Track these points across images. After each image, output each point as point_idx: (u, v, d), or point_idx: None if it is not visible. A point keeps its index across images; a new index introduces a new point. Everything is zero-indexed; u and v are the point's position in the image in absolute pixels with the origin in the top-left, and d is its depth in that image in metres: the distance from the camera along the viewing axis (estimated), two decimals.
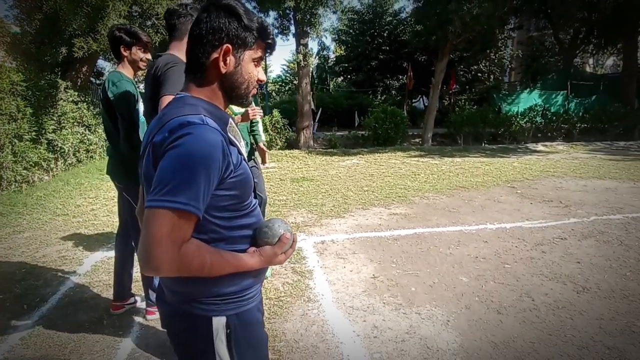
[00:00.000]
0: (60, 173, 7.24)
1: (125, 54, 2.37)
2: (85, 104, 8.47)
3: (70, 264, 3.44)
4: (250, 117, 2.84)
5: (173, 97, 1.02)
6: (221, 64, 0.95)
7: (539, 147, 11.50)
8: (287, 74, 27.18)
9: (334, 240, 3.96)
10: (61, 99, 7.58)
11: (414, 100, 20.70)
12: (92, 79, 10.28)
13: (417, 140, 12.86)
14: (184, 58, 1.96)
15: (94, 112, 8.72)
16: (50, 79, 7.40)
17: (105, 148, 9.04)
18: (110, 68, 12.09)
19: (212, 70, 0.96)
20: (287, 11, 11.00)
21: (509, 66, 23.16)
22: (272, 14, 11.23)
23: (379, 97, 19.30)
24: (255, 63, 1.01)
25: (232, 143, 0.93)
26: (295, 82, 15.86)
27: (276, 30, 11.31)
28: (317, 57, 22.31)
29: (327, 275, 3.18)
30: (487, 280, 3.04)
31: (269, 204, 5.28)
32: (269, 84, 23.29)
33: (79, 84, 8.75)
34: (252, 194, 1.03)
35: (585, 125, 13.02)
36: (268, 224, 1.02)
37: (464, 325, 2.45)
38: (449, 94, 17.33)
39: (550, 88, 15.18)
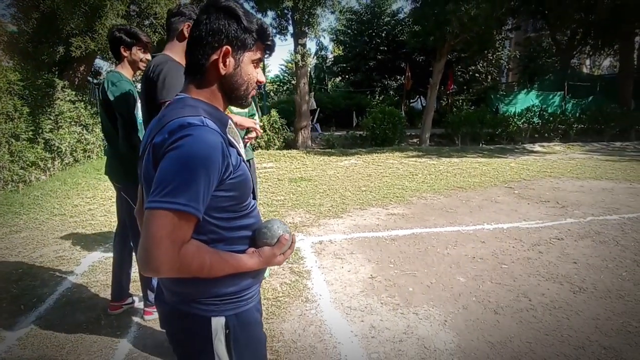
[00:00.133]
0: (58, 173, 7.22)
1: (125, 54, 2.38)
2: (82, 103, 8.45)
3: (67, 264, 3.43)
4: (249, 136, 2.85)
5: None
6: (221, 65, 0.95)
7: (536, 147, 11.55)
8: (285, 74, 27.16)
9: (331, 241, 3.96)
10: (58, 98, 7.55)
11: (411, 101, 20.74)
12: (89, 78, 10.24)
13: (414, 140, 12.88)
14: (176, 57, 1.98)
15: (92, 112, 8.70)
16: (47, 78, 7.38)
17: (102, 148, 9.01)
18: (107, 67, 12.05)
19: (211, 72, 0.97)
20: (286, 11, 11.00)
21: (507, 67, 23.25)
22: (271, 14, 11.23)
23: (377, 97, 19.32)
24: (255, 64, 1.02)
25: (231, 144, 0.93)
26: (293, 82, 15.85)
27: (274, 30, 11.30)
28: (315, 57, 22.33)
29: (325, 276, 3.18)
30: (484, 281, 3.06)
31: (267, 204, 5.29)
32: (267, 84, 23.26)
33: (76, 83, 8.73)
34: (251, 195, 1.03)
35: (582, 125, 13.08)
36: (267, 225, 1.02)
37: (462, 326, 2.46)
38: (447, 95, 17.37)
39: (547, 89, 15.25)
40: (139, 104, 2.35)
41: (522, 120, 12.82)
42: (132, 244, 2.55)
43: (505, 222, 4.47)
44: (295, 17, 10.84)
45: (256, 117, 3.09)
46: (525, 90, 15.47)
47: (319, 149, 11.45)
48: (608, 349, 2.21)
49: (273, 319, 2.54)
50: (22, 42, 7.89)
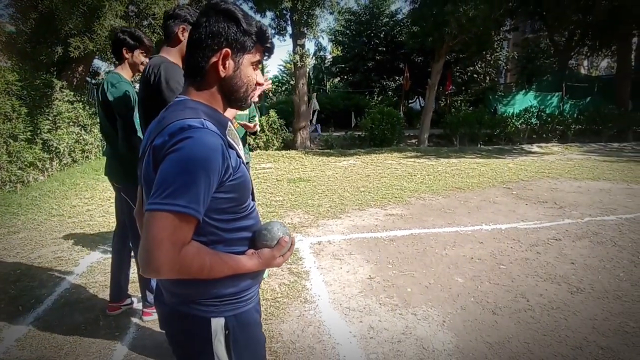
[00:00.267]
0: (56, 173, 7.20)
1: (127, 56, 2.39)
2: (80, 103, 8.43)
3: (65, 264, 3.43)
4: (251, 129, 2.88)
5: None
6: (220, 67, 0.96)
7: (534, 148, 11.58)
8: (284, 74, 27.17)
9: (330, 241, 3.97)
10: (57, 98, 7.54)
11: (410, 101, 20.79)
12: (87, 78, 10.23)
13: (413, 141, 12.90)
14: (172, 59, 1.98)
15: (90, 112, 8.68)
16: (45, 78, 7.36)
17: (100, 148, 9.00)
18: (106, 68, 12.04)
19: (211, 74, 0.97)
20: (284, 12, 11.01)
21: (505, 68, 23.32)
22: (269, 14, 11.23)
23: (376, 97, 19.37)
24: (254, 66, 1.02)
25: (231, 146, 0.94)
26: (292, 82, 15.84)
27: (273, 31, 11.30)
28: (313, 58, 22.34)
29: (323, 276, 3.19)
30: (482, 281, 3.07)
31: (266, 205, 5.29)
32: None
33: (74, 83, 8.71)
34: (251, 196, 1.04)
35: (580, 126, 13.13)
36: (267, 227, 1.03)
37: (460, 326, 2.47)
38: (445, 95, 17.40)
39: (545, 89, 15.30)
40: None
41: (520, 121, 12.85)
42: (131, 244, 2.55)
43: (504, 222, 4.49)
44: (294, 18, 10.85)
45: (256, 118, 3.10)
46: (524, 91, 15.51)
47: (317, 150, 11.46)
48: (605, 349, 2.22)
49: (272, 320, 2.55)
50: (20, 42, 7.87)
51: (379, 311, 2.65)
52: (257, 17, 10.01)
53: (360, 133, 12.37)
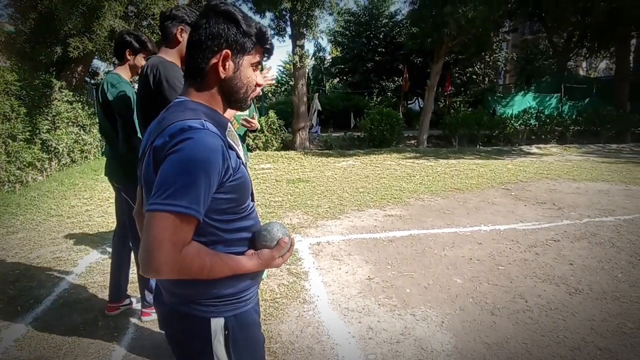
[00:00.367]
0: (55, 173, 7.19)
1: (129, 58, 2.42)
2: (80, 104, 8.42)
3: (64, 265, 3.42)
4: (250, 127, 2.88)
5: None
6: (220, 69, 0.96)
7: (533, 149, 11.60)
8: (283, 75, 27.18)
9: (329, 242, 3.97)
10: (55, 98, 7.53)
11: (409, 102, 20.81)
12: (87, 79, 10.23)
13: (412, 142, 12.92)
14: (170, 59, 1.98)
15: (89, 112, 8.67)
16: (44, 78, 7.35)
17: (99, 148, 8.99)
18: (105, 68, 12.04)
19: (211, 75, 0.98)
20: (284, 12, 11.02)
21: (504, 69, 23.38)
22: (269, 15, 11.26)
23: (375, 98, 19.40)
24: (254, 67, 1.03)
25: (231, 147, 0.94)
26: (291, 83, 15.85)
27: (272, 32, 11.31)
28: (313, 59, 22.36)
29: (322, 277, 3.19)
30: (481, 282, 3.07)
31: (265, 205, 5.29)
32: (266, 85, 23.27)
33: (73, 83, 8.71)
34: (250, 197, 1.04)
35: (579, 127, 13.16)
36: (267, 228, 1.03)
37: (458, 327, 2.47)
38: (444, 96, 17.44)
39: (544, 91, 15.34)
40: None
41: (519, 122, 12.89)
42: (131, 244, 2.55)
43: (502, 223, 4.49)
44: (293, 19, 10.86)
45: (255, 117, 3.11)
46: (522, 92, 15.55)
47: (316, 150, 11.47)
48: (604, 350, 2.22)
49: (271, 320, 2.55)
50: (20, 43, 7.86)
51: (377, 312, 2.66)
52: (257, 17, 10.01)
53: (359, 134, 12.39)
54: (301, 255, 3.63)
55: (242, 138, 3.05)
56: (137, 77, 2.55)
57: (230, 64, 0.97)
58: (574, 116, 13.63)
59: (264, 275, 3.11)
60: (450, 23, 10.54)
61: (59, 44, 7.72)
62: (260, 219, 1.11)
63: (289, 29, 11.44)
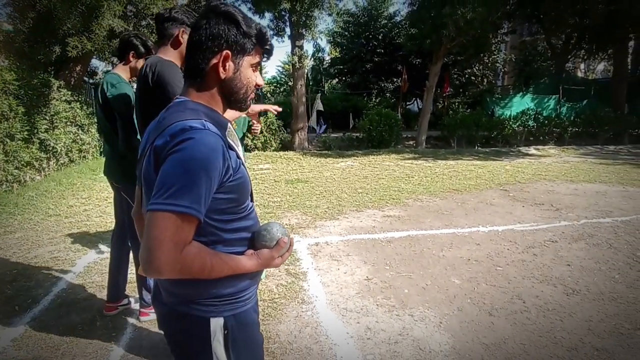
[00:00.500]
0: (53, 173, 7.18)
1: (132, 59, 2.44)
2: (78, 103, 8.41)
3: (62, 264, 3.42)
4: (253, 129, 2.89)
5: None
6: (220, 69, 0.97)
7: (531, 150, 11.63)
8: (282, 75, 27.20)
9: (328, 242, 3.97)
10: (54, 98, 7.51)
11: (408, 103, 20.84)
12: (85, 78, 10.21)
13: (411, 142, 12.94)
14: (169, 59, 1.98)
15: (87, 112, 8.66)
16: (43, 78, 7.33)
17: (98, 148, 8.97)
18: (103, 68, 12.01)
19: (211, 76, 0.98)
20: (283, 13, 11.03)
21: (502, 70, 23.44)
22: (268, 15, 11.27)
23: (374, 99, 19.40)
24: (254, 68, 1.03)
25: (231, 147, 0.94)
26: (290, 83, 15.86)
27: (272, 32, 11.32)
28: (312, 59, 22.36)
29: (321, 277, 3.19)
30: (479, 283, 3.08)
31: (263, 206, 5.29)
32: (264, 86, 23.29)
33: (72, 83, 8.69)
34: (250, 197, 1.05)
35: (577, 129, 13.21)
36: (266, 228, 1.03)
37: (456, 327, 2.48)
38: (443, 97, 17.48)
39: (542, 92, 15.40)
40: None
41: (517, 124, 12.93)
42: (130, 244, 2.54)
43: (500, 224, 4.51)
44: (292, 19, 10.87)
45: (261, 124, 3.11)
46: (521, 93, 15.62)
47: (315, 151, 11.47)
48: (601, 351, 2.23)
49: (269, 321, 2.55)
50: (18, 42, 7.84)
51: (376, 312, 2.66)
52: (256, 18, 10.00)
53: (358, 134, 12.40)
54: (300, 255, 3.64)
55: (241, 140, 3.06)
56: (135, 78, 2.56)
57: (230, 65, 0.98)
58: (572, 118, 13.68)
59: (263, 276, 3.11)
60: (449, 24, 10.57)
61: (58, 43, 7.70)
62: (259, 219, 1.12)
63: (288, 30, 11.45)
